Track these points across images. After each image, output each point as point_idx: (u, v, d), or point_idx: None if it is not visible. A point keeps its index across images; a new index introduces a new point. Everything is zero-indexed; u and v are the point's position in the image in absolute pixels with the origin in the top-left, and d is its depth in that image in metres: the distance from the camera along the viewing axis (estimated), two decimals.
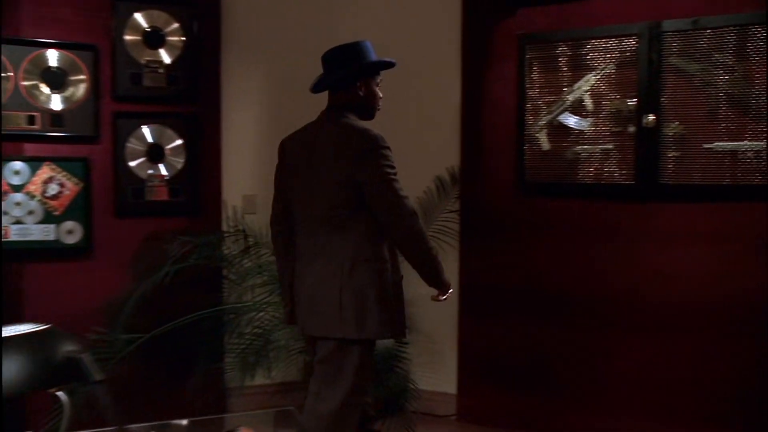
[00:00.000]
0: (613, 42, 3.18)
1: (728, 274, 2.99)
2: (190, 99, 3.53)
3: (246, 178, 3.78)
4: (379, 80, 2.49)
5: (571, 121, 3.30)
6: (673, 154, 3.09)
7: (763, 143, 2.92)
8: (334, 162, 2.32)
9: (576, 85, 3.28)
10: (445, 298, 2.47)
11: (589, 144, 3.27)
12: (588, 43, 3.24)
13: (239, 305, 3.38)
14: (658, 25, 3.06)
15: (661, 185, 3.10)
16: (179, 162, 3.51)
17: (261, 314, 3.36)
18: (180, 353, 3.39)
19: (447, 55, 3.63)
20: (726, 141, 2.99)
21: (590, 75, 3.25)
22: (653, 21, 3.07)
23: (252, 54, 3.78)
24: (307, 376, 2.58)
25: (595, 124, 3.26)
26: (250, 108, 3.82)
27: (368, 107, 2.46)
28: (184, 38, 3.47)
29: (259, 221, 3.64)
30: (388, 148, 2.32)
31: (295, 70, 3.84)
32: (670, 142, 3.09)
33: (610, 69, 3.21)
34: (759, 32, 2.91)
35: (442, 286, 2.44)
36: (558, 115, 3.33)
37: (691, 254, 3.08)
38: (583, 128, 3.28)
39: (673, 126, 3.08)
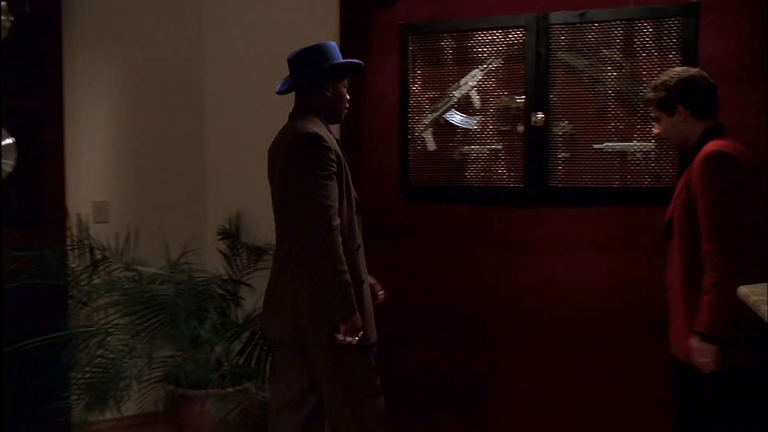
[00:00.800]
0: (499, 34, 2.97)
1: (621, 281, 2.84)
2: (24, 90, 3.03)
3: (96, 182, 3.32)
4: (346, 82, 2.43)
5: (457, 119, 3.06)
6: (563, 155, 2.92)
7: (651, 144, 2.80)
8: (280, 164, 2.26)
9: (462, 81, 3.05)
10: (345, 340, 2.17)
11: (477, 144, 3.05)
12: (474, 35, 3.02)
13: (82, 329, 2.90)
14: (546, 17, 2.88)
15: (551, 188, 2.92)
16: (9, 164, 3.00)
17: (110, 338, 2.91)
18: (11, 389, 2.88)
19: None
20: (615, 141, 2.85)
21: (477, 70, 3.03)
22: (541, 13, 2.89)
23: (102, 39, 3.31)
24: None
25: (483, 123, 3.04)
26: (100, 101, 3.35)
27: (335, 110, 2.40)
28: (12, 18, 2.96)
29: (108, 232, 3.20)
30: (322, 147, 2.18)
31: (154, 58, 3.44)
32: (560, 142, 2.92)
33: (498, 63, 2.99)
34: (645, 28, 2.79)
35: (342, 318, 2.16)
36: (444, 112, 3.08)
37: (582, 261, 2.92)
38: (470, 127, 3.05)
39: (563, 125, 2.91)
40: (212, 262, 3.48)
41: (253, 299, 3.40)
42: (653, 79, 2.72)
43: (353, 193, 2.35)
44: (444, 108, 3.08)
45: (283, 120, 3.42)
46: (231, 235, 3.41)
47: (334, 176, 2.18)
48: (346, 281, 2.14)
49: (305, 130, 2.21)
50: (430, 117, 3.09)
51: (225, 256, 3.41)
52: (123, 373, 2.83)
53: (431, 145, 3.10)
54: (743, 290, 1.65)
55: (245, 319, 3.36)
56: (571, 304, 2.93)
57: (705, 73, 2.25)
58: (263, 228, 3.43)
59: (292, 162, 2.19)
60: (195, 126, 3.57)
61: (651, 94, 2.28)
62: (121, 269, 3.06)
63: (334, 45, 2.40)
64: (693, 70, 2.26)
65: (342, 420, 2.32)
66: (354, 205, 2.34)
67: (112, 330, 2.86)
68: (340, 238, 2.14)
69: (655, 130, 2.34)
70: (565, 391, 2.95)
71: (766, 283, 1.77)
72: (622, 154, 2.85)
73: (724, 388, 2.08)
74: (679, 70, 2.27)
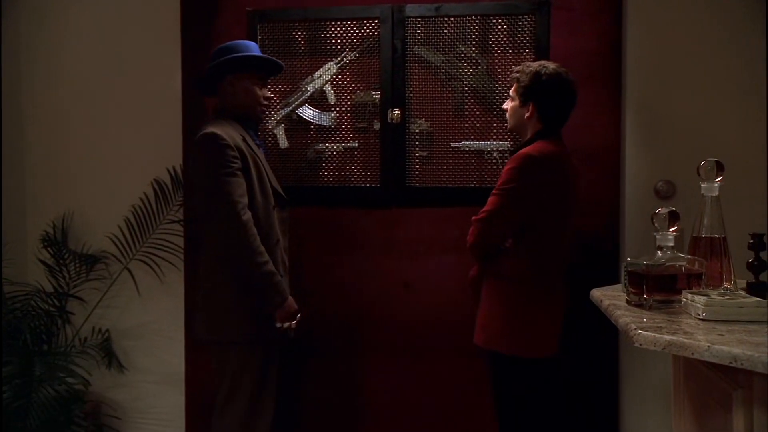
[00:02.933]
0: (354, 25, 2.81)
1: None
2: None
3: None
4: (254, 79, 2.33)
5: (310, 114, 2.86)
6: (420, 153, 2.81)
7: (507, 143, 2.76)
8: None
9: (316, 74, 2.86)
10: (283, 326, 2.26)
11: (332, 142, 2.87)
12: (327, 26, 2.84)
13: None
14: (401, 9, 2.76)
15: (408, 188, 2.81)
16: None
17: None
18: None
19: (164, 32, 2.99)
20: (472, 140, 2.78)
21: (332, 63, 2.85)
22: (396, 5, 2.76)
23: None
24: None
25: (338, 119, 2.87)
26: None
27: (244, 108, 2.32)
28: None
29: None
30: (221, 145, 2.14)
31: None
32: (417, 140, 2.81)
33: (353, 56, 2.83)
34: (500, 24, 2.74)
35: (275, 307, 2.22)
36: (297, 107, 2.87)
37: (440, 263, 2.82)
38: (325, 123, 2.87)
39: (420, 123, 2.80)
40: (35, 274, 3.05)
41: (84, 314, 3.02)
42: (508, 76, 2.70)
43: (269, 187, 2.30)
44: (297, 103, 2.87)
45: (115, 113, 3.08)
46: (56, 242, 2.99)
47: (237, 172, 2.15)
48: (269, 271, 2.15)
49: (202, 131, 2.17)
50: (282, 112, 2.88)
51: (48, 266, 2.98)
52: None
53: (283, 143, 2.88)
54: (596, 293, 1.58)
55: (74, 337, 2.98)
56: (429, 308, 2.83)
57: (574, 85, 2.18)
58: (96, 233, 3.06)
59: (196, 165, 2.19)
60: (11, 115, 3.11)
61: (517, 75, 2.22)
62: None
63: (248, 43, 2.35)
64: (566, 78, 2.17)
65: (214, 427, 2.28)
66: (272, 200, 2.29)
67: None
68: (254, 231, 2.14)
69: (505, 105, 2.31)
70: (424, 397, 2.85)
71: (617, 285, 1.72)
72: (479, 153, 2.79)
73: (514, 373, 2.15)
74: (553, 71, 2.16)
